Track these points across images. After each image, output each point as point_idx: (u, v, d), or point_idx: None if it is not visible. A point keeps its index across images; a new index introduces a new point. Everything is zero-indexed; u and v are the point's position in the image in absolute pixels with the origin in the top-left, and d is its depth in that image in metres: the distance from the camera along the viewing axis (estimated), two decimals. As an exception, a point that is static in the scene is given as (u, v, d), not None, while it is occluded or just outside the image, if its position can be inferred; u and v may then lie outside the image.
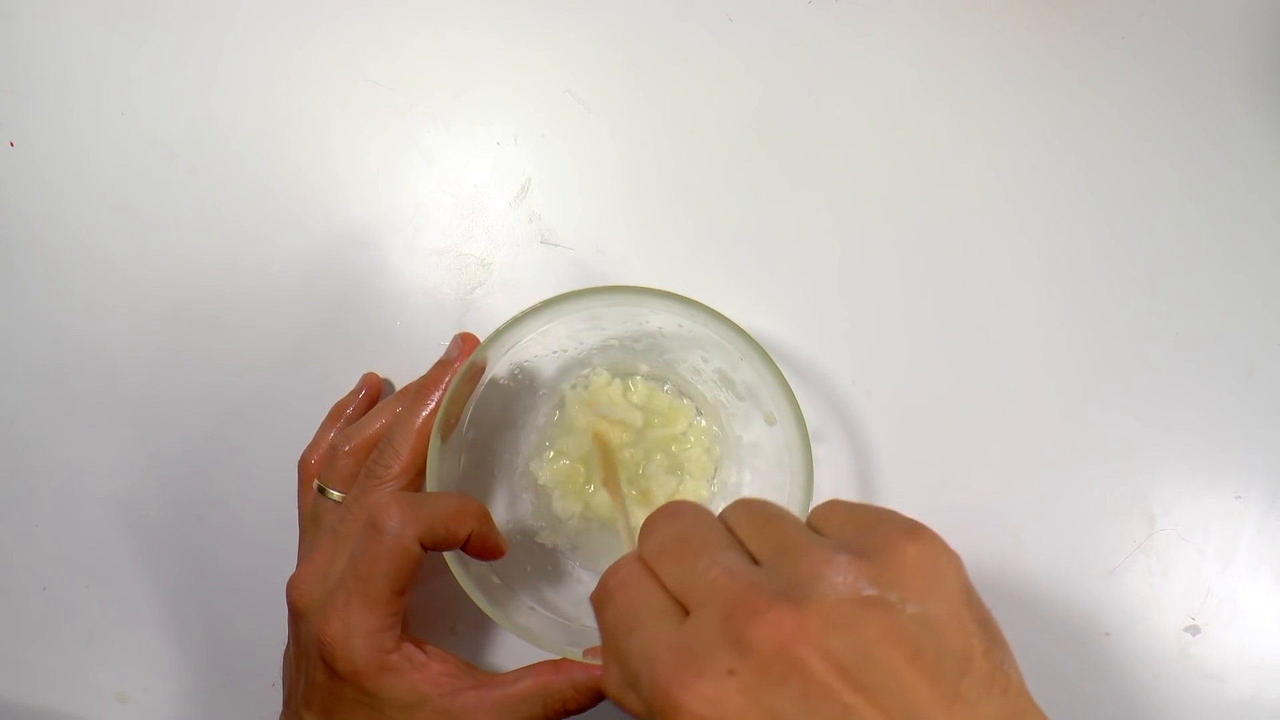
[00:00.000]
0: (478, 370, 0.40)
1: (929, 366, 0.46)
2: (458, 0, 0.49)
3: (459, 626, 0.45)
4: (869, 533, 0.25)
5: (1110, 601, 0.44)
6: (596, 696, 0.38)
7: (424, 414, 0.40)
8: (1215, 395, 0.46)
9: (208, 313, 0.48)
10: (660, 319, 0.41)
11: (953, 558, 0.24)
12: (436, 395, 0.40)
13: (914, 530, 0.24)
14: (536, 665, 0.38)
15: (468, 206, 0.48)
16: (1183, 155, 0.47)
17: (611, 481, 0.40)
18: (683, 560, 0.25)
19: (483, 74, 0.48)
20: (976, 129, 0.47)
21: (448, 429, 0.40)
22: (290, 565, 0.39)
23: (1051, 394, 0.46)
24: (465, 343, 0.42)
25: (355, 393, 0.45)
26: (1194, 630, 0.44)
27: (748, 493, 0.44)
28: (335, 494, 0.42)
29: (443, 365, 0.42)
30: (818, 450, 0.42)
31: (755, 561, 0.25)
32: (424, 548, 0.35)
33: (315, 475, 0.43)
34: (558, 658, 0.38)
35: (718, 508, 0.43)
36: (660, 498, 0.43)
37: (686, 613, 0.24)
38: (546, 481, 0.44)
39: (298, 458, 0.44)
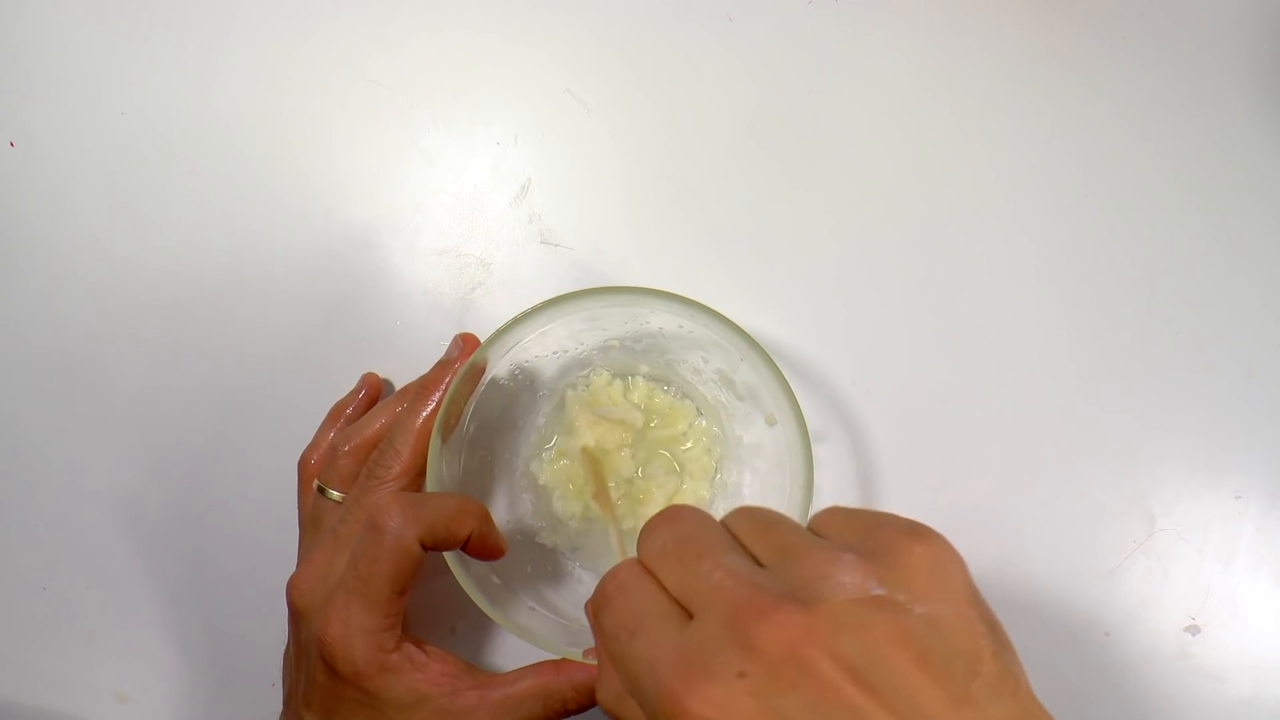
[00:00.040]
0: (478, 370, 0.40)
1: (929, 367, 0.46)
2: (458, 0, 0.49)
3: (459, 626, 0.45)
4: (873, 535, 0.25)
5: (1110, 601, 0.44)
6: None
7: (424, 414, 0.40)
8: (1215, 395, 0.46)
9: (208, 312, 0.48)
10: (661, 319, 0.41)
11: (958, 559, 0.24)
12: (437, 395, 0.40)
13: (919, 531, 0.24)
14: (536, 665, 0.38)
15: (468, 206, 0.48)
16: (1183, 155, 0.47)
17: (602, 495, 0.40)
18: (685, 562, 0.25)
19: (483, 74, 0.48)
20: (976, 129, 0.47)
21: (448, 429, 0.40)
22: (290, 565, 0.39)
23: (1051, 394, 0.46)
24: (465, 343, 0.42)
25: (355, 393, 0.45)
26: (1194, 630, 0.44)
27: (748, 493, 0.44)
28: (335, 494, 0.42)
29: (443, 365, 0.42)
30: (818, 450, 0.42)
31: (759, 565, 0.25)
32: (424, 548, 0.35)
33: (315, 475, 0.43)
34: (558, 658, 0.38)
35: (718, 508, 0.43)
36: (660, 498, 0.43)
37: (690, 616, 0.24)
38: (547, 482, 0.44)
39: (298, 458, 0.44)
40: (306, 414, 0.45)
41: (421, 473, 0.39)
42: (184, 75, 0.49)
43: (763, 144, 0.48)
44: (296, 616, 0.38)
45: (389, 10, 0.49)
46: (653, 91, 0.48)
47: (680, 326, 0.41)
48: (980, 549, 0.25)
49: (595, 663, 0.37)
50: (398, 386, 0.47)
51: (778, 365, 0.38)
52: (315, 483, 0.42)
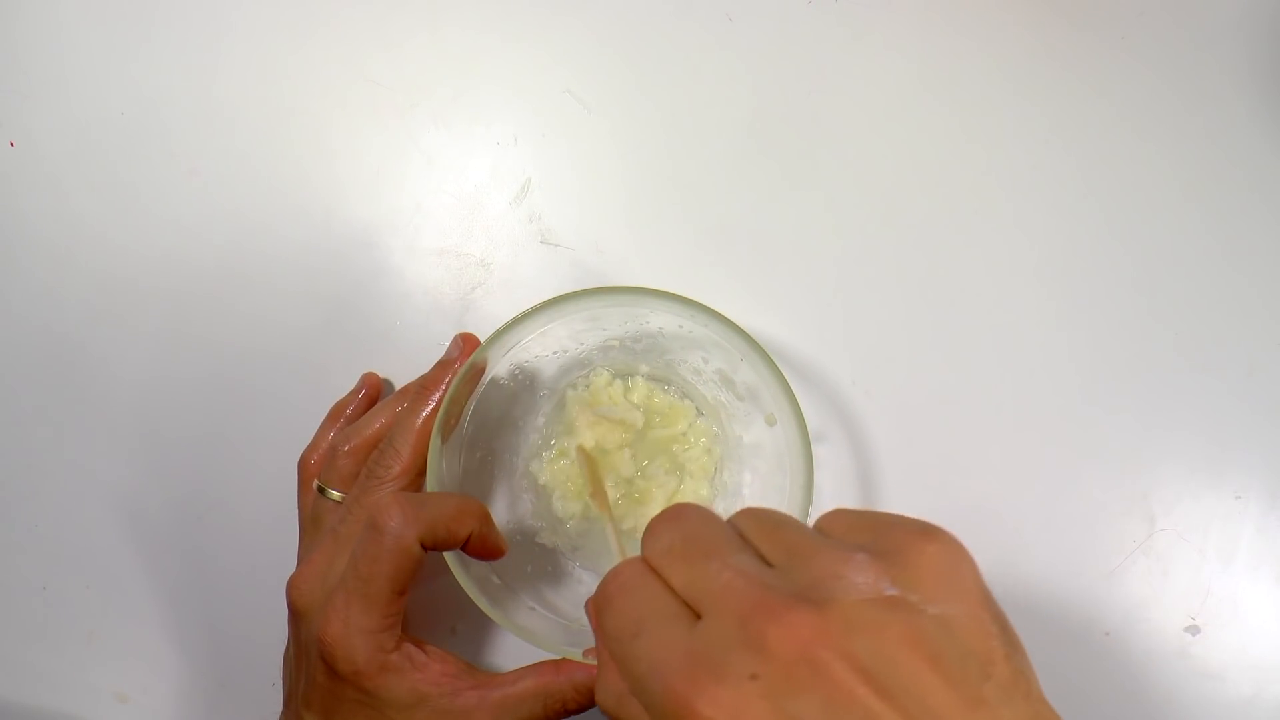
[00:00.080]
0: (478, 370, 0.40)
1: (929, 367, 0.46)
2: (458, 0, 0.49)
3: (459, 626, 0.45)
4: (884, 535, 0.24)
5: (1110, 601, 0.44)
6: (596, 697, 0.38)
7: (424, 414, 0.40)
8: (1215, 395, 0.46)
9: (208, 312, 0.48)
10: (661, 319, 0.41)
11: (970, 559, 0.24)
12: (437, 395, 0.40)
13: (931, 531, 0.24)
14: (536, 665, 0.38)
15: (468, 206, 0.48)
16: (1183, 155, 0.47)
17: (598, 494, 0.40)
18: (693, 562, 0.24)
19: (483, 74, 0.48)
20: (976, 129, 0.47)
21: (448, 429, 0.40)
22: (290, 565, 0.39)
23: (1051, 394, 0.46)
24: (465, 343, 0.42)
25: (355, 393, 0.45)
26: (1194, 630, 0.44)
27: (748, 493, 0.44)
28: (335, 494, 0.42)
29: (443, 365, 0.42)
30: (818, 451, 0.42)
31: (768, 565, 0.24)
32: (424, 548, 0.35)
33: (315, 475, 0.43)
34: (558, 658, 0.38)
35: (718, 508, 0.43)
36: (660, 498, 0.43)
37: (697, 617, 0.24)
38: (547, 482, 0.44)
39: (298, 458, 0.44)
40: (306, 414, 0.45)
41: (421, 473, 0.39)
42: (184, 75, 0.49)
43: (763, 144, 0.48)
44: (296, 616, 0.38)
45: (389, 10, 0.49)
46: (653, 91, 0.48)
47: (680, 326, 0.41)
48: (980, 549, 0.25)
49: (595, 663, 0.37)
50: (398, 386, 0.47)
51: (778, 365, 0.38)
52: (315, 483, 0.42)
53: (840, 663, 0.21)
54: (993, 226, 0.47)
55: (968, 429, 0.46)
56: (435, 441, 0.38)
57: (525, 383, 0.44)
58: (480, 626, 0.45)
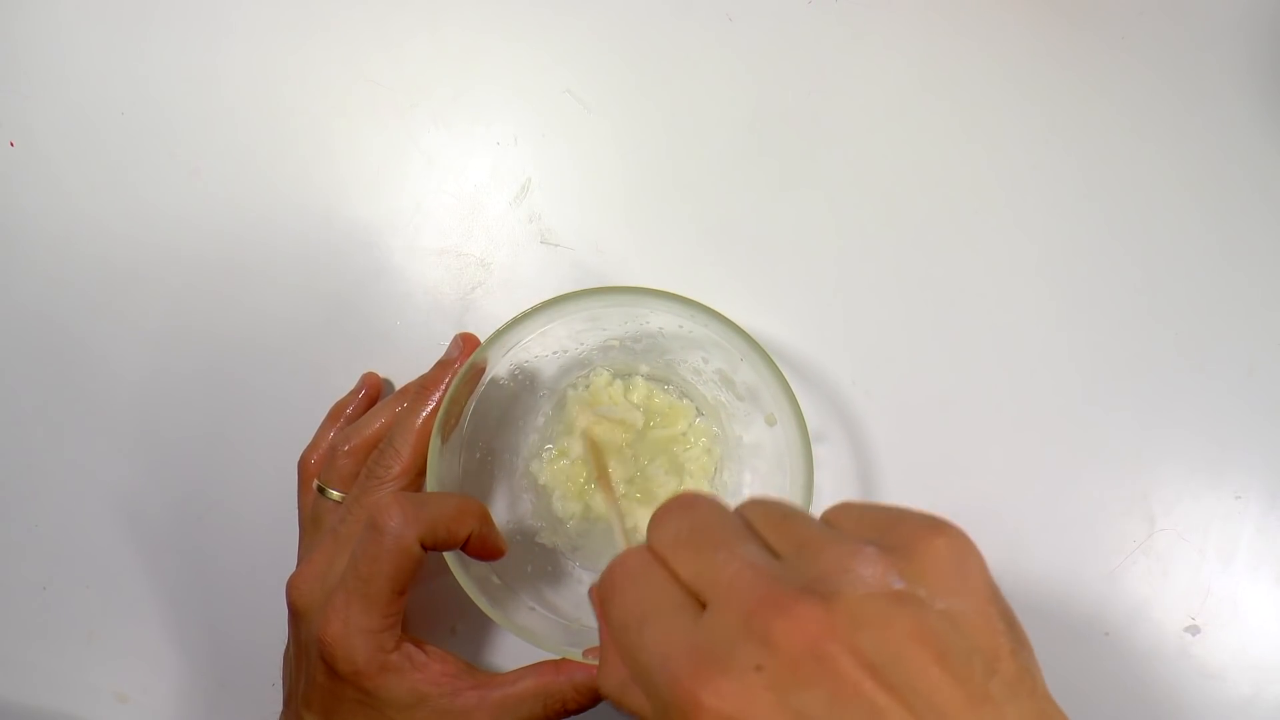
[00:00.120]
0: (478, 370, 0.40)
1: (929, 367, 0.46)
2: (457, 0, 0.49)
3: (459, 626, 0.45)
4: (892, 528, 0.24)
5: (1110, 601, 0.44)
6: (597, 696, 0.38)
7: (424, 414, 0.40)
8: (1215, 395, 0.46)
9: (208, 312, 0.48)
10: (661, 319, 0.41)
11: (978, 554, 0.24)
12: (437, 395, 0.40)
13: (939, 525, 0.24)
14: (536, 665, 0.38)
15: (468, 206, 0.48)
16: (1183, 155, 0.47)
17: (603, 480, 0.39)
18: (700, 552, 0.24)
19: (483, 74, 0.48)
20: (976, 129, 0.47)
21: (448, 429, 0.40)
22: (290, 565, 0.39)
23: (1051, 394, 0.46)
24: (465, 343, 0.42)
25: (355, 393, 0.45)
26: (1194, 630, 0.44)
27: (748, 493, 0.44)
28: (335, 494, 0.42)
29: (443, 365, 0.42)
30: (818, 450, 0.42)
31: (775, 556, 0.24)
32: (424, 548, 0.35)
33: (315, 475, 0.43)
34: (558, 658, 0.38)
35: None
36: (660, 498, 0.43)
37: (702, 607, 0.23)
38: (547, 482, 0.44)
39: (298, 458, 0.44)
40: (306, 414, 0.45)
41: (422, 473, 0.39)
42: (185, 75, 0.49)
43: (763, 144, 0.48)
44: (296, 616, 0.38)
45: (389, 10, 0.49)
46: (653, 91, 0.48)
47: (680, 326, 0.41)
48: (980, 549, 0.24)
49: (595, 663, 0.37)
50: (398, 386, 0.47)
51: (778, 365, 0.38)
52: (315, 483, 0.42)
53: (846, 657, 0.21)
54: (993, 226, 0.47)
55: (968, 429, 0.46)
56: (435, 441, 0.38)
57: (525, 383, 0.44)
58: (480, 626, 0.45)
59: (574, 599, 0.44)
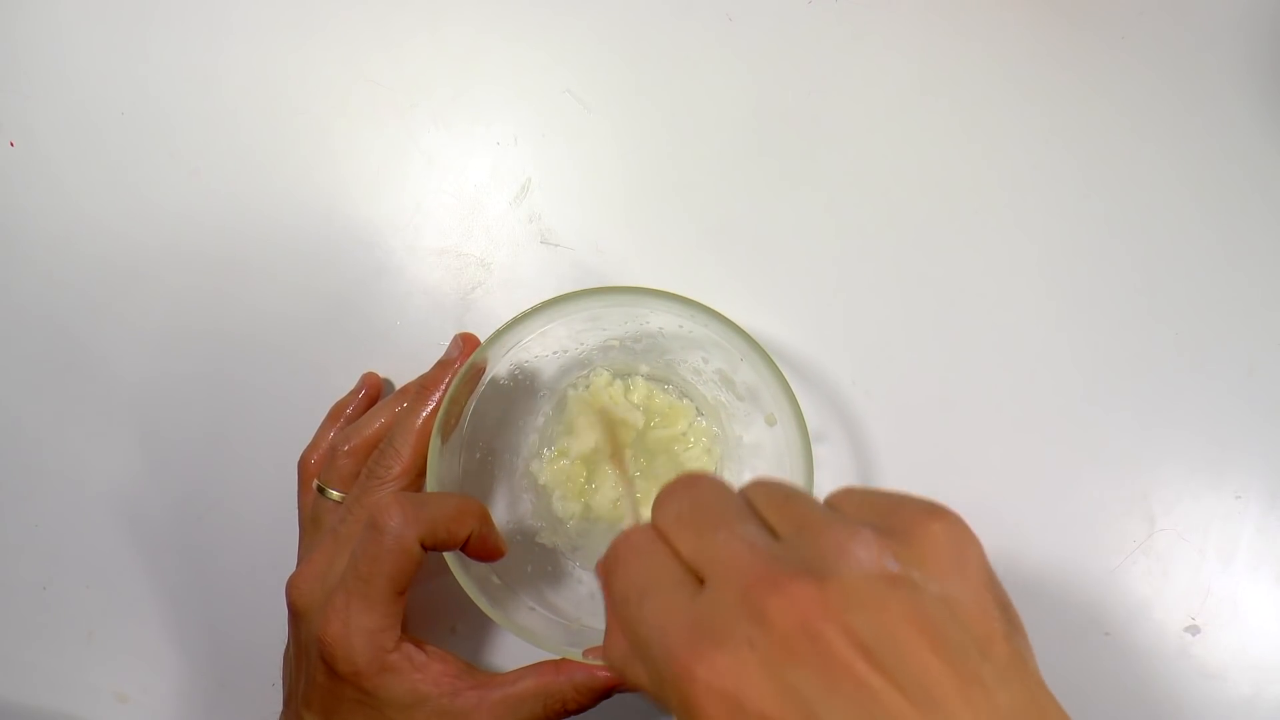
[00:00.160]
0: (478, 371, 0.40)
1: (929, 367, 0.46)
2: (458, 0, 0.49)
3: (459, 626, 0.45)
4: (892, 513, 0.24)
5: (1110, 601, 0.44)
6: (597, 696, 0.38)
7: (424, 414, 0.40)
8: (1215, 395, 0.46)
9: (207, 312, 0.48)
10: (661, 319, 0.41)
11: (975, 540, 0.24)
12: (437, 396, 0.40)
13: (938, 511, 0.24)
14: (536, 665, 0.38)
15: (468, 206, 0.48)
16: (1183, 155, 0.47)
17: (617, 456, 0.40)
18: (701, 530, 0.25)
19: (483, 74, 0.48)
20: (976, 129, 0.47)
21: (448, 429, 0.40)
22: (290, 565, 0.39)
23: (1051, 394, 0.46)
24: (465, 343, 0.42)
25: (355, 392, 0.45)
26: (1194, 630, 0.44)
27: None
28: (335, 494, 0.42)
29: (443, 365, 0.42)
30: (818, 450, 0.42)
31: (775, 536, 0.25)
32: (425, 548, 0.35)
33: (315, 475, 0.43)
34: (558, 658, 0.38)
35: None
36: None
37: (701, 584, 0.24)
38: (547, 482, 0.44)
39: (298, 458, 0.44)
40: (306, 414, 0.45)
41: (422, 473, 0.39)
42: (185, 75, 0.49)
43: (763, 144, 0.48)
44: (296, 616, 0.38)
45: (389, 10, 0.49)
46: (653, 91, 0.48)
47: (680, 326, 0.41)
48: (979, 541, 0.25)
49: (596, 663, 0.37)
50: (398, 386, 0.47)
51: (778, 365, 0.38)
52: (315, 483, 0.42)
53: (839, 636, 0.21)
54: (993, 226, 0.47)
55: (968, 429, 0.46)
56: (435, 442, 0.38)
57: (525, 383, 0.44)
58: (480, 626, 0.45)
59: (574, 599, 0.44)
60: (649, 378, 0.45)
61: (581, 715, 0.38)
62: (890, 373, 0.46)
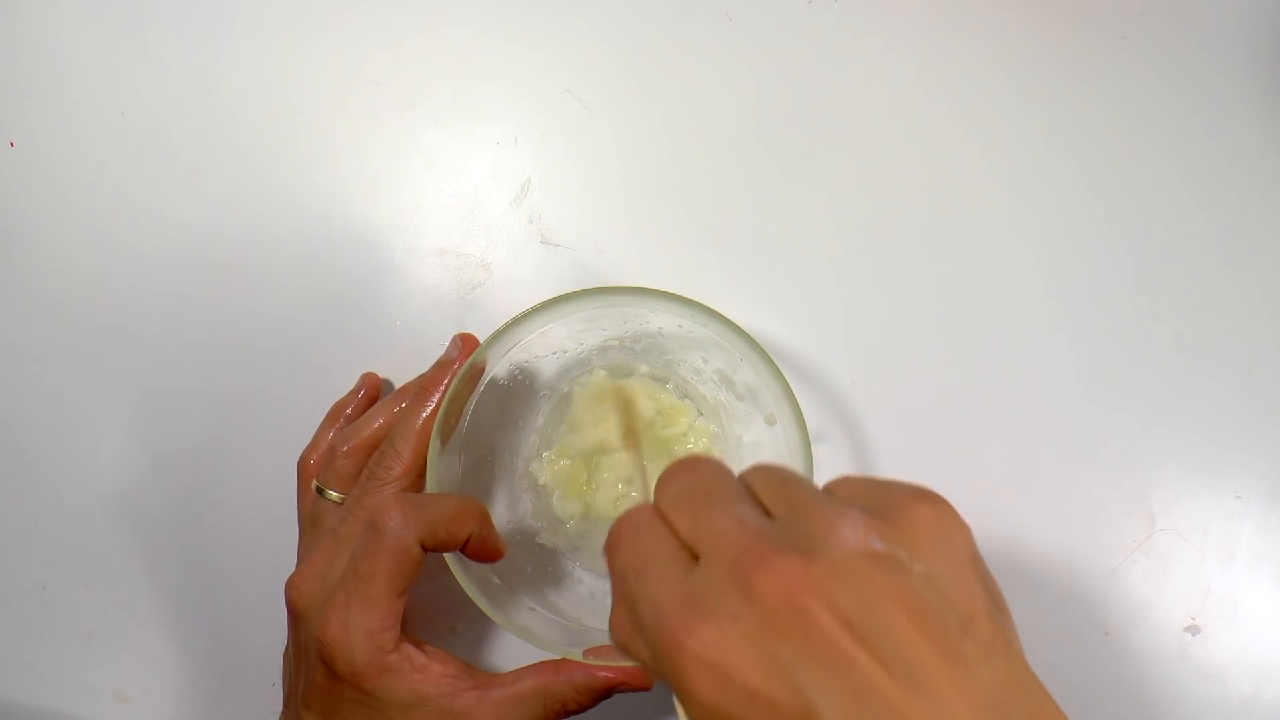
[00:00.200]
0: (477, 371, 0.40)
1: (929, 367, 0.46)
2: (457, 0, 0.49)
3: (459, 626, 0.45)
4: (882, 496, 0.25)
5: (1110, 601, 0.44)
6: (597, 696, 0.38)
7: (424, 415, 0.40)
8: (1215, 395, 0.46)
9: (208, 312, 0.48)
10: (660, 319, 0.41)
11: (962, 523, 0.25)
12: (436, 396, 0.40)
13: (926, 494, 0.25)
14: (536, 665, 0.38)
15: (468, 206, 0.48)
16: (1182, 155, 0.47)
17: (631, 435, 0.40)
18: (696, 509, 0.25)
19: (483, 74, 0.48)
20: (976, 129, 0.47)
21: (448, 430, 0.40)
22: (290, 565, 0.39)
23: (1051, 394, 0.46)
24: (465, 343, 0.42)
25: (354, 393, 0.45)
26: (1194, 630, 0.44)
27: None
28: (334, 494, 0.42)
29: (442, 366, 0.42)
30: (818, 450, 0.42)
31: (770, 517, 0.25)
32: (424, 549, 0.35)
33: (314, 476, 0.43)
34: (558, 658, 0.38)
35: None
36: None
37: (697, 560, 0.25)
38: (547, 482, 0.44)
39: (297, 458, 0.44)
40: (306, 414, 0.45)
41: (422, 474, 0.39)
42: (185, 75, 0.49)
43: (763, 144, 0.48)
44: (296, 616, 0.38)
45: (389, 10, 0.49)
46: (653, 91, 0.48)
47: (680, 326, 0.41)
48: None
49: (595, 663, 0.37)
50: (397, 386, 0.47)
51: (778, 365, 0.38)
52: (314, 483, 0.42)
53: (824, 610, 0.22)
54: (992, 226, 0.47)
55: (968, 429, 0.46)
56: (435, 443, 0.38)
57: (525, 383, 0.44)
58: (480, 626, 0.45)
59: (574, 599, 0.44)
60: (649, 378, 0.45)
61: (581, 715, 0.38)
62: (890, 373, 0.46)
